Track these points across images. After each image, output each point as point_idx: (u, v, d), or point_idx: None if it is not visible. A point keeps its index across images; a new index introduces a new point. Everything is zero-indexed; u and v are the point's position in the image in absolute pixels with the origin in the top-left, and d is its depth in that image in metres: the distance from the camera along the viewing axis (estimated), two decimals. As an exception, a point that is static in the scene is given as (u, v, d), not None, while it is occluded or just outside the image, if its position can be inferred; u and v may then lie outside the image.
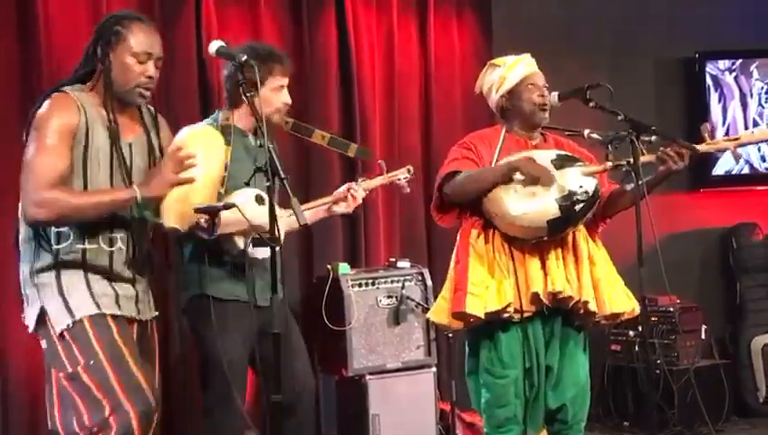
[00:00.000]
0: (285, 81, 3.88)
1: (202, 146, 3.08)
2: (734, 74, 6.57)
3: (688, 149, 3.64)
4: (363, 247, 5.50)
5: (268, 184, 2.85)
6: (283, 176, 2.83)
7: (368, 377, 4.85)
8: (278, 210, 3.06)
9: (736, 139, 3.78)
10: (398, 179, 4.23)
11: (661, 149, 3.64)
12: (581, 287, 3.73)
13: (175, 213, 3.06)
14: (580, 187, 3.66)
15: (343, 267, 4.96)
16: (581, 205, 3.66)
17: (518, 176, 3.67)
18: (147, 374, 3.06)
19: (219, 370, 3.59)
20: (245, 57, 3.02)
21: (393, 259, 5.20)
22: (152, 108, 3.29)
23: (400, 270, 5.07)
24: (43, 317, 3.07)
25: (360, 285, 4.93)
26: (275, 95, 3.82)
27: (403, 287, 4.99)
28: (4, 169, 4.62)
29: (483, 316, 3.68)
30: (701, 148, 3.69)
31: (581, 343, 3.87)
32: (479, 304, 3.69)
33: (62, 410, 3.06)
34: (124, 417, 2.95)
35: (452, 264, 3.87)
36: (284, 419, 3.19)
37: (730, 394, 5.88)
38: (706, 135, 3.74)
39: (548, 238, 3.70)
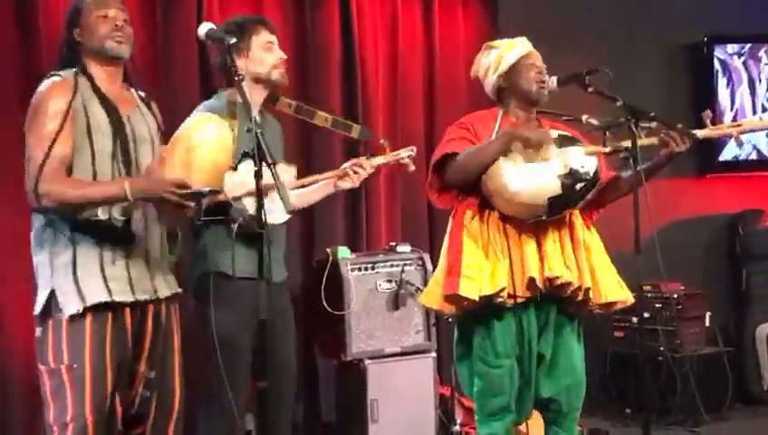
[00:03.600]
0: (273, 37, 3.88)
1: (206, 134, 3.03)
2: (742, 59, 6.51)
3: (687, 136, 3.60)
4: (364, 231, 5.48)
5: (255, 169, 2.83)
6: (270, 161, 2.81)
7: (366, 362, 4.83)
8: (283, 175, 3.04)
9: (739, 125, 3.74)
10: (402, 158, 4.27)
11: (663, 130, 3.61)
12: (581, 273, 3.70)
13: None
14: (582, 166, 3.61)
15: (343, 251, 4.95)
16: (583, 184, 3.60)
17: (517, 147, 3.62)
18: (117, 384, 3.08)
19: (226, 352, 3.57)
20: (234, 40, 3.00)
21: (393, 243, 5.18)
22: (143, 93, 3.34)
23: (400, 254, 5.05)
24: (50, 302, 3.07)
25: (359, 269, 4.91)
26: (267, 53, 3.83)
27: (403, 271, 4.97)
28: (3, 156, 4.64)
29: (477, 299, 3.63)
30: (700, 133, 3.65)
31: (576, 332, 3.82)
32: (473, 286, 3.63)
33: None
34: (81, 425, 3.01)
35: (444, 247, 3.83)
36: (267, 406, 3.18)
37: (734, 382, 5.85)
38: (708, 121, 3.70)
39: (546, 218, 3.64)
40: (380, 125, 5.57)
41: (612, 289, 3.75)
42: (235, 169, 2.98)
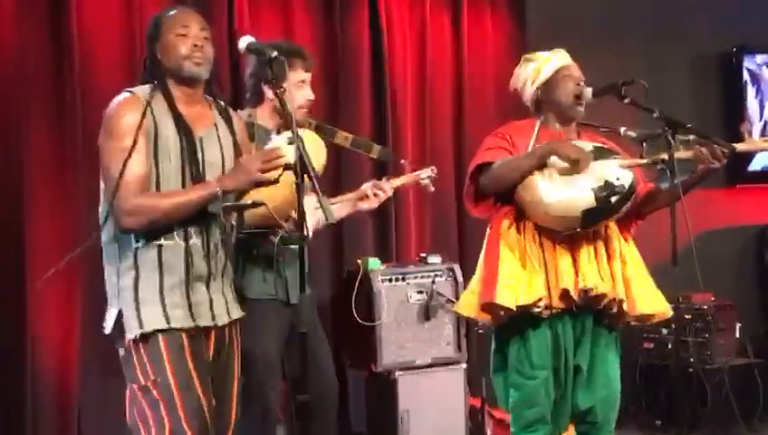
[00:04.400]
0: (307, 76, 3.86)
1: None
2: (772, 69, 6.48)
3: (726, 148, 3.58)
4: (394, 242, 5.47)
5: (297, 182, 2.83)
6: (312, 174, 2.81)
7: (397, 373, 4.83)
8: (306, 200, 3.03)
9: None
10: (422, 179, 4.28)
11: (699, 147, 3.59)
12: (615, 285, 3.68)
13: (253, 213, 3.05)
14: (617, 178, 3.59)
15: (373, 262, 4.95)
16: (618, 197, 3.59)
17: (554, 161, 3.61)
18: (208, 394, 3.06)
19: (254, 368, 3.57)
20: (275, 53, 2.99)
21: (424, 254, 5.17)
22: (222, 102, 3.28)
23: (431, 265, 5.05)
24: (119, 321, 3.07)
25: (390, 281, 4.91)
26: (297, 91, 3.80)
27: (433, 283, 4.97)
28: (35, 156, 4.65)
29: (514, 308, 3.62)
30: (739, 147, 3.64)
31: (613, 344, 3.81)
32: (511, 296, 3.62)
33: (130, 418, 3.08)
34: None
35: (481, 256, 3.83)
36: (308, 419, 3.17)
37: (764, 393, 5.81)
38: (746, 134, 3.69)
39: (581, 230, 3.63)
40: (409, 138, 5.56)
41: (648, 301, 3.73)
42: (276, 181, 2.98)
